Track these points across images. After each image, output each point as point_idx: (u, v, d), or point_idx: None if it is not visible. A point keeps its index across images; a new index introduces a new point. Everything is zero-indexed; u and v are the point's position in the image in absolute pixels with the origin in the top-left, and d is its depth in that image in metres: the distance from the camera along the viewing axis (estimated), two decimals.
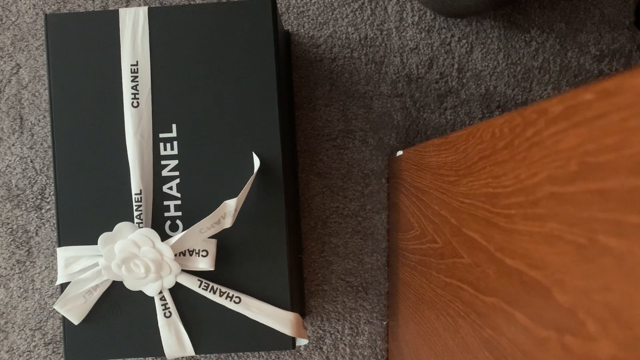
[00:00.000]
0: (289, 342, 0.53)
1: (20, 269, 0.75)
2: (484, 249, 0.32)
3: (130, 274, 0.51)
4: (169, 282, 0.52)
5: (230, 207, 0.51)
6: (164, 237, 0.52)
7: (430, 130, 0.74)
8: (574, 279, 0.22)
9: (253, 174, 0.52)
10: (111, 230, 0.52)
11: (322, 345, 0.75)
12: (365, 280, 0.74)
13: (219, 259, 0.53)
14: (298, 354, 0.75)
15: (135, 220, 0.52)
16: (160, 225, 0.53)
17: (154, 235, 0.51)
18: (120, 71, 0.53)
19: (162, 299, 0.53)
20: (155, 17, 0.54)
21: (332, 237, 0.74)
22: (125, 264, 0.51)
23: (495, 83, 0.73)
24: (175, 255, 0.51)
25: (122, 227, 0.52)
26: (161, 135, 0.53)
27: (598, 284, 0.20)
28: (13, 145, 0.75)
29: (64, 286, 0.53)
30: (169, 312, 0.53)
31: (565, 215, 0.22)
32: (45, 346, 0.75)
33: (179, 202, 0.53)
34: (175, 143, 0.53)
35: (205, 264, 0.52)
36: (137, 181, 0.52)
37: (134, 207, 0.52)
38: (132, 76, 0.53)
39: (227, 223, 0.51)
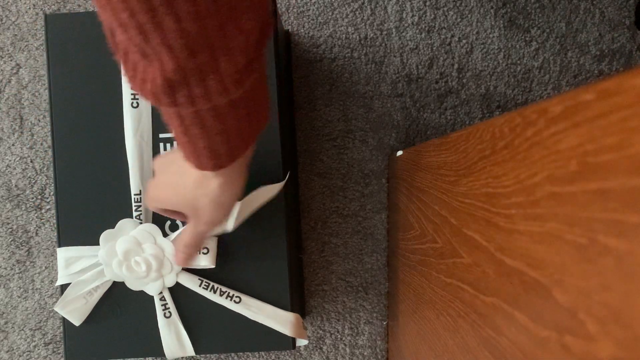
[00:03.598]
0: (289, 342, 0.53)
1: (20, 269, 0.75)
2: (484, 249, 0.32)
3: (131, 274, 0.51)
4: (170, 281, 0.52)
5: (233, 209, 0.51)
6: (164, 236, 0.52)
7: (430, 130, 0.74)
8: (574, 279, 0.22)
9: (259, 203, 0.52)
10: (112, 229, 0.52)
11: (322, 345, 0.75)
12: (365, 280, 0.74)
13: (220, 259, 0.53)
14: (298, 354, 0.75)
15: (135, 220, 0.52)
16: (160, 225, 0.53)
17: (155, 230, 0.51)
18: (120, 71, 0.53)
19: (162, 299, 0.53)
20: None
21: (332, 237, 0.74)
22: (127, 261, 0.51)
23: (495, 83, 0.73)
24: None
25: (123, 224, 0.52)
26: (161, 136, 0.53)
27: (598, 284, 0.20)
28: (13, 145, 0.75)
29: (64, 287, 0.53)
30: (169, 312, 0.53)
31: (565, 215, 0.22)
32: (45, 346, 0.75)
33: None
34: (175, 143, 0.53)
35: (206, 261, 0.52)
36: (137, 181, 0.52)
37: (134, 208, 0.52)
38: None
39: (229, 226, 0.51)
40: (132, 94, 0.53)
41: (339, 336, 0.74)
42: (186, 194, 0.43)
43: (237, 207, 0.51)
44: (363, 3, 0.73)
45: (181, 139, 0.36)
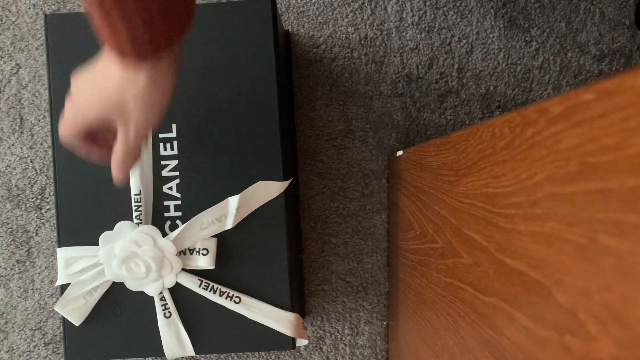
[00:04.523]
0: (289, 342, 0.53)
1: (20, 269, 0.75)
2: (484, 249, 0.32)
3: (130, 274, 0.51)
4: (170, 281, 0.52)
5: (232, 205, 0.51)
6: (164, 236, 0.52)
7: (430, 130, 0.74)
8: (574, 279, 0.22)
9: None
10: (111, 230, 0.52)
11: (322, 345, 0.75)
12: (365, 280, 0.74)
13: (219, 259, 0.53)
14: (298, 354, 0.75)
15: (135, 220, 0.52)
16: (160, 225, 0.53)
17: (155, 232, 0.51)
18: None
19: (162, 299, 0.53)
20: None
21: (332, 237, 0.74)
22: (126, 264, 0.51)
23: (495, 83, 0.73)
24: (176, 254, 0.51)
25: (122, 226, 0.52)
26: (161, 136, 0.53)
27: (598, 284, 0.20)
28: (13, 145, 0.75)
29: (64, 287, 0.53)
30: (169, 312, 0.53)
31: (565, 215, 0.22)
32: (45, 346, 0.75)
33: (179, 202, 0.53)
34: (175, 143, 0.53)
35: (205, 262, 0.52)
36: (137, 181, 0.52)
37: (134, 208, 0.52)
38: None
39: (229, 224, 0.51)
40: None
41: (339, 336, 0.74)
42: (111, 95, 0.40)
43: (236, 202, 0.51)
44: (363, 3, 0.73)
45: (103, 27, 0.35)
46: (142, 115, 0.41)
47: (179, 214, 0.53)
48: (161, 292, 0.53)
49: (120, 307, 0.54)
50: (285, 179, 0.53)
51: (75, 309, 0.53)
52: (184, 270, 0.53)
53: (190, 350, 0.54)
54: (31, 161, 0.75)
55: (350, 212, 0.74)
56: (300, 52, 0.74)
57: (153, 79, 0.39)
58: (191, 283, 0.53)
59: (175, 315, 0.53)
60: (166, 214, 0.53)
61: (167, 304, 0.53)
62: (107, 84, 0.40)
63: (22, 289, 0.75)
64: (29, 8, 0.75)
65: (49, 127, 0.74)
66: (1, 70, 0.75)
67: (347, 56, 0.73)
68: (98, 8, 0.34)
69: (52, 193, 0.74)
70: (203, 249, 0.52)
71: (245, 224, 0.53)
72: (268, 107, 0.53)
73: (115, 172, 0.45)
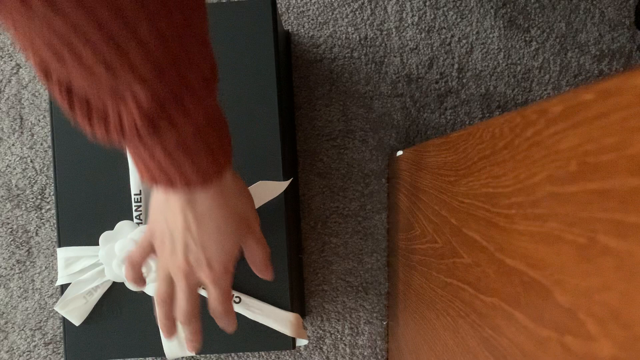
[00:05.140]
0: (289, 342, 0.53)
1: (20, 269, 0.75)
2: (484, 249, 0.32)
3: None
4: None
5: None
6: None
7: (430, 130, 0.74)
8: (574, 279, 0.22)
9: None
10: (111, 230, 0.52)
11: (322, 345, 0.75)
12: (365, 280, 0.74)
13: None
14: (298, 354, 0.75)
15: (135, 220, 0.52)
16: None
17: None
18: None
19: None
20: None
21: (332, 237, 0.74)
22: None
23: (495, 83, 0.73)
24: None
25: (122, 225, 0.52)
26: None
27: (598, 284, 0.20)
28: (13, 145, 0.75)
29: (64, 287, 0.53)
30: None
31: (565, 215, 0.22)
32: (45, 346, 0.75)
33: None
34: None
35: None
36: (137, 181, 0.52)
37: (134, 208, 0.52)
38: None
39: None
40: None
41: (339, 336, 0.74)
42: (235, 217, 0.40)
43: None
44: (363, 3, 0.73)
45: (169, 169, 0.33)
46: (254, 211, 0.44)
47: None
48: None
49: (121, 307, 0.54)
50: (285, 179, 0.53)
51: (75, 309, 0.53)
52: None
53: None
54: (31, 161, 0.75)
55: (350, 212, 0.74)
56: (300, 52, 0.74)
57: (233, 175, 0.40)
58: None
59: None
60: None
61: None
62: (220, 215, 0.38)
63: (22, 289, 0.75)
64: None
65: (49, 127, 0.74)
66: (1, 70, 0.75)
67: (347, 56, 0.73)
68: (162, 152, 0.32)
69: (52, 193, 0.74)
70: None
71: None
72: (268, 107, 0.53)
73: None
